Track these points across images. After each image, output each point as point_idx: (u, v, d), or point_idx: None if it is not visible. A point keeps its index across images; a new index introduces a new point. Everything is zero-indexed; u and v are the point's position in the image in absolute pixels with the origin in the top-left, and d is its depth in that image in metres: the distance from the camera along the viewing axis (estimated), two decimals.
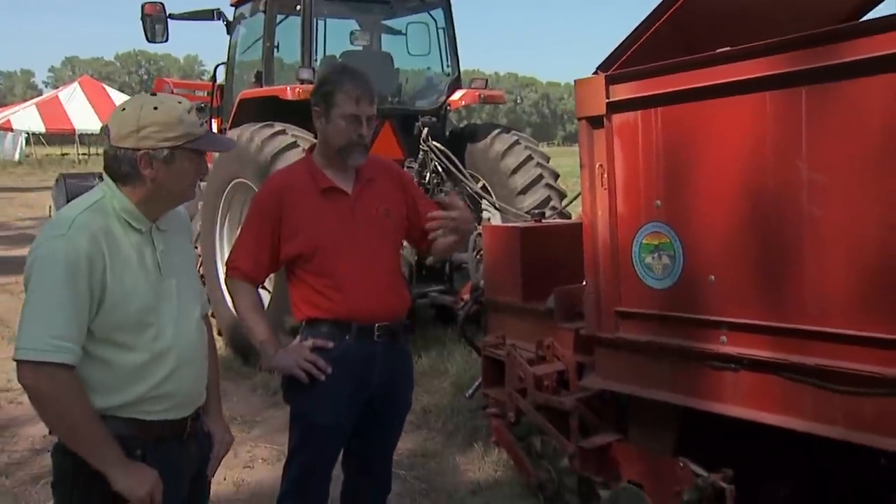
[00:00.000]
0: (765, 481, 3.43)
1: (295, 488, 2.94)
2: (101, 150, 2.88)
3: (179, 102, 2.19)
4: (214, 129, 8.29)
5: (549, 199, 7.06)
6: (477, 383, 4.99)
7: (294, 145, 6.05)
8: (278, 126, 6.25)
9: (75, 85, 37.40)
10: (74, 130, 35.34)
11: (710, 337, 3.11)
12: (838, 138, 2.65)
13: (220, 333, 7.35)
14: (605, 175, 3.42)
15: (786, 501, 3.47)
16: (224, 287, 7.02)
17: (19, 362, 2.01)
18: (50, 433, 2.15)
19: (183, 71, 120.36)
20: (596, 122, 3.43)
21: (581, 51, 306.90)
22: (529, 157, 7.19)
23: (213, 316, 7.41)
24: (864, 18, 3.84)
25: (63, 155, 42.37)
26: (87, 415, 2.03)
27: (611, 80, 3.35)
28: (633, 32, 3.42)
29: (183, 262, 2.29)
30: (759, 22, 3.44)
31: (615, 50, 3.46)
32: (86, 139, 39.95)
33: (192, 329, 2.25)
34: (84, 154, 40.25)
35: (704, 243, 3.10)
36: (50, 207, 10.67)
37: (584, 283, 3.73)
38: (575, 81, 3.52)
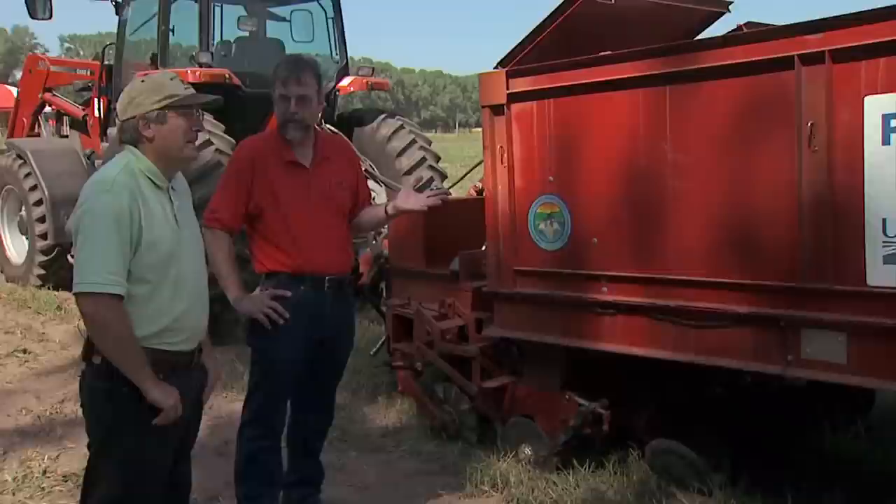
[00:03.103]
0: (631, 407, 4.18)
1: (256, 417, 3.40)
2: None
3: (163, 74, 2.63)
4: (100, 109, 8.33)
5: (431, 179, 7.65)
6: (380, 343, 5.55)
7: None
8: None
9: None
10: None
11: (593, 288, 3.81)
12: (694, 127, 3.39)
13: None
14: (505, 155, 4.05)
15: (646, 422, 4.22)
16: None
17: (81, 294, 2.39)
18: (85, 358, 2.54)
19: (11, 43, 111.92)
20: (497, 109, 4.05)
21: (436, 40, 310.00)
22: (413, 141, 7.76)
23: None
24: (702, 34, 4.65)
25: None
26: (132, 338, 2.43)
27: (511, 75, 3.98)
28: (528, 35, 4.06)
29: (190, 218, 2.69)
30: (630, 30, 4.17)
31: (513, 49, 4.09)
32: None
33: (200, 272, 2.67)
34: None
35: (589, 211, 3.79)
36: None
37: (485, 247, 4.37)
38: (480, 75, 4.13)
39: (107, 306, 2.40)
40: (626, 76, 3.55)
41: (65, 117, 9.67)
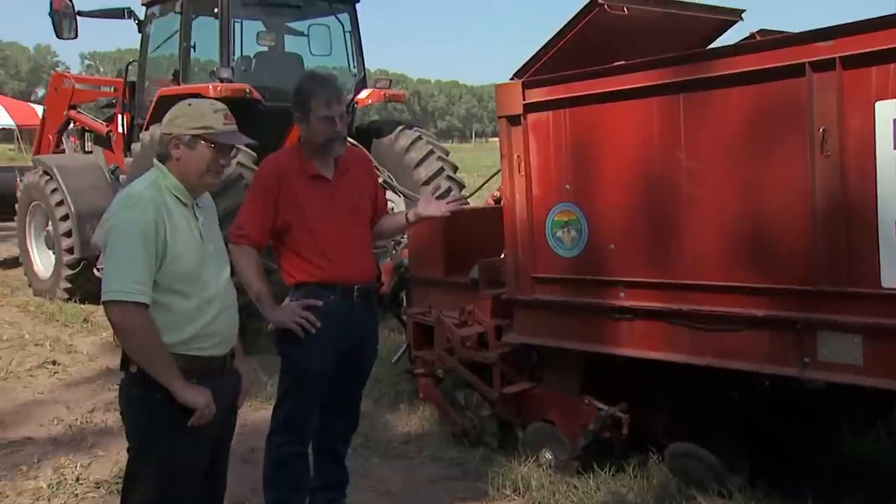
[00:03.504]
0: (649, 411, 4.23)
1: (286, 424, 3.49)
2: None
3: (211, 104, 2.72)
4: (124, 125, 8.50)
5: (449, 189, 7.75)
6: (401, 351, 5.63)
7: None
8: None
9: None
10: None
11: (611, 294, 3.87)
12: (708, 134, 3.46)
13: None
14: (522, 164, 4.13)
15: (665, 426, 4.26)
16: None
17: (108, 303, 2.50)
18: (122, 368, 2.65)
19: (34, 62, 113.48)
20: (514, 120, 4.13)
21: (451, 50, 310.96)
22: (431, 152, 7.86)
23: None
24: (715, 42, 4.73)
25: None
26: (159, 344, 2.53)
27: (527, 86, 4.06)
28: (543, 47, 4.14)
29: (215, 234, 2.80)
30: (643, 40, 4.24)
31: (528, 61, 4.18)
32: None
33: (226, 284, 2.76)
34: None
35: (606, 218, 3.86)
36: None
37: (503, 255, 4.44)
38: (496, 86, 4.22)
39: (133, 314, 2.50)
40: (640, 85, 3.62)
41: (88, 133, 9.87)
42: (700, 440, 4.04)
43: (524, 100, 4.07)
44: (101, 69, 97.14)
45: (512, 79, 4.19)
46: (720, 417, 4.18)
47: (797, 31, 3.79)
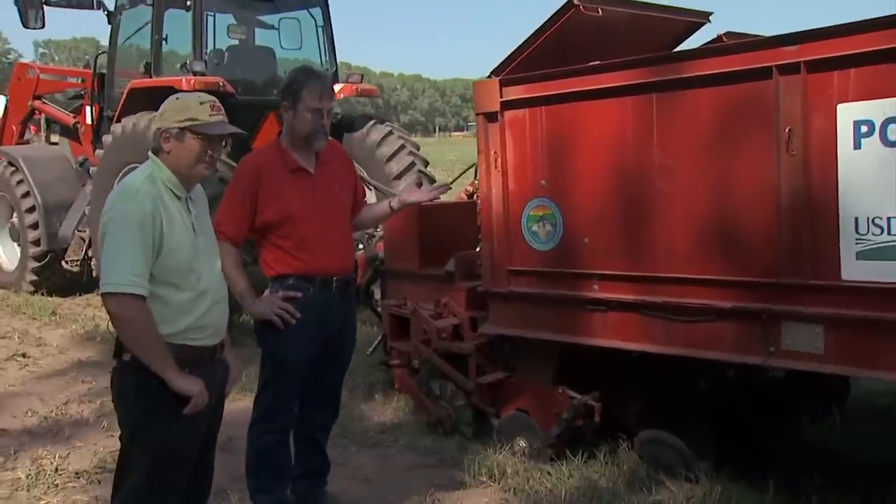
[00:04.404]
0: (622, 400, 4.37)
1: (267, 413, 3.55)
2: None
3: (198, 97, 2.78)
4: (93, 116, 8.44)
5: (420, 184, 7.80)
6: (376, 342, 5.72)
7: None
8: None
9: None
10: None
11: (585, 286, 4.00)
12: (679, 133, 3.60)
13: None
14: (499, 160, 4.24)
15: (636, 415, 4.41)
16: None
17: (107, 294, 2.55)
18: (115, 356, 2.70)
19: None
20: (491, 116, 4.24)
21: (414, 44, 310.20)
22: (402, 146, 7.94)
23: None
24: (684, 43, 4.88)
25: None
26: (156, 334, 2.59)
27: (504, 84, 4.17)
28: (519, 46, 4.25)
29: (207, 227, 2.87)
30: (615, 41, 4.37)
31: (505, 59, 4.28)
32: None
33: (218, 276, 2.83)
34: None
35: (580, 213, 3.98)
36: None
37: (479, 248, 4.55)
38: (473, 83, 4.32)
39: (130, 305, 2.56)
40: (615, 85, 3.75)
41: (53, 125, 9.77)
42: (669, 428, 4.19)
43: (501, 97, 4.17)
44: (56, 58, 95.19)
45: (489, 76, 4.29)
46: (688, 407, 4.34)
47: (763, 33, 3.97)
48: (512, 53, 4.25)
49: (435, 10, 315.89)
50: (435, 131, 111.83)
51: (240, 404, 4.71)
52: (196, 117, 2.71)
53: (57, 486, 4.14)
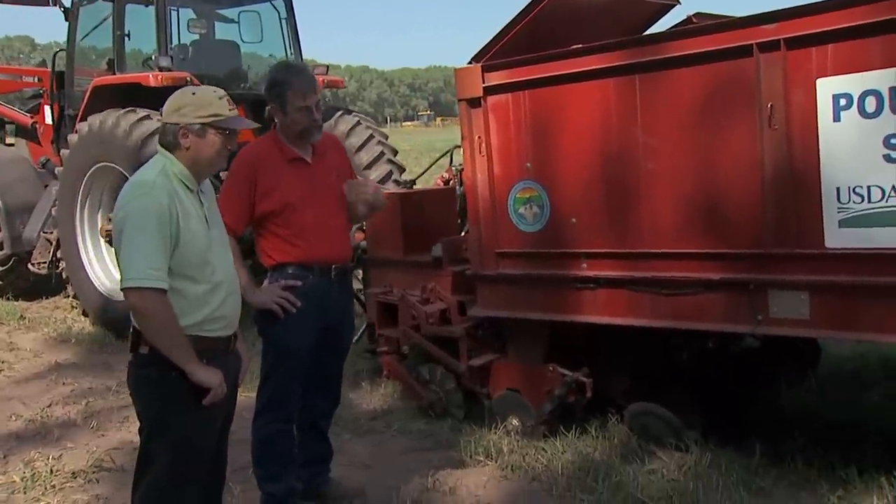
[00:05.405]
0: (611, 375, 4.49)
1: (270, 402, 3.58)
2: None
3: (214, 91, 2.79)
4: (52, 116, 8.29)
5: (390, 173, 7.87)
6: (360, 331, 5.75)
7: None
8: (141, 112, 6.56)
9: None
10: None
11: (573, 265, 4.10)
12: (663, 112, 3.70)
13: (85, 314, 7.52)
14: (483, 144, 4.30)
15: (625, 389, 4.54)
16: (87, 268, 7.22)
17: (128, 289, 2.56)
18: (132, 350, 2.71)
19: None
20: (474, 102, 4.30)
21: (360, 35, 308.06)
22: (371, 136, 7.95)
23: (76, 297, 7.56)
24: (651, 28, 4.99)
25: None
26: (177, 327, 2.61)
27: (486, 69, 4.24)
28: (499, 32, 4.31)
29: (218, 219, 2.88)
30: (590, 25, 4.46)
31: (485, 46, 4.34)
32: None
33: (231, 268, 2.85)
34: None
35: (567, 194, 4.07)
36: None
37: (464, 232, 4.62)
38: (455, 70, 4.37)
39: (152, 299, 2.58)
40: (598, 67, 3.84)
41: (7, 125, 9.55)
42: (657, 400, 4.32)
43: (484, 83, 4.24)
44: None
45: (470, 63, 4.35)
46: (674, 379, 4.48)
47: (732, 13, 4.10)
48: (492, 40, 4.31)
49: (379, 1, 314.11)
50: (386, 122, 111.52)
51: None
52: (219, 113, 2.73)
53: (54, 486, 4.11)
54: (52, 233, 7.71)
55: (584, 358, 4.40)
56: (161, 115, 2.82)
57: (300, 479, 3.77)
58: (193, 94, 2.75)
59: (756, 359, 4.87)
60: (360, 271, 5.65)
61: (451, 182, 6.04)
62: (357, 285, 5.81)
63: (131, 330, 2.71)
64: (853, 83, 3.21)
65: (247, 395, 3.81)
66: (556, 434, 4.39)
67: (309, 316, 3.52)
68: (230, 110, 2.75)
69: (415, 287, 4.95)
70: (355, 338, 5.82)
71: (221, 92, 2.80)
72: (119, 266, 2.61)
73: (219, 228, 2.86)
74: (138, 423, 2.79)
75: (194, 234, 2.67)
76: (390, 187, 7.44)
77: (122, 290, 2.60)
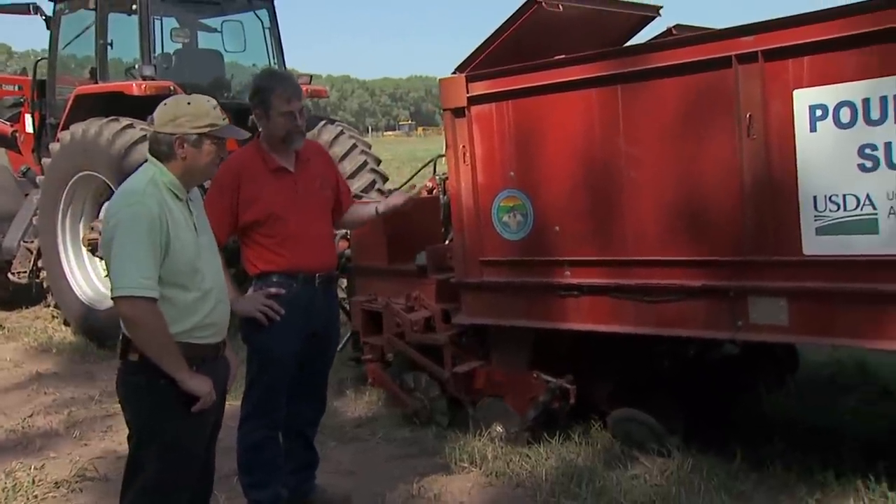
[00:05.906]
0: (595, 382, 4.54)
1: (256, 410, 3.60)
2: None
3: (208, 101, 2.81)
4: (33, 125, 8.26)
5: (374, 182, 7.91)
6: (345, 339, 5.76)
7: (144, 139, 6.40)
8: (125, 121, 6.55)
9: None
10: None
11: (557, 273, 4.15)
12: (645, 122, 3.77)
13: (66, 323, 7.47)
14: (467, 154, 4.35)
15: (608, 395, 4.59)
16: (69, 277, 7.19)
17: (118, 298, 2.57)
18: (122, 357, 2.72)
19: None
20: (458, 112, 4.35)
21: (341, 45, 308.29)
22: (354, 146, 7.98)
23: (57, 307, 7.51)
24: (632, 40, 5.07)
25: None
26: (168, 335, 2.62)
27: (470, 79, 4.29)
28: (483, 42, 4.37)
29: (206, 227, 2.90)
30: (572, 36, 4.53)
31: (469, 56, 4.40)
32: None
33: (221, 275, 2.87)
34: None
35: (550, 202, 4.13)
36: None
37: (448, 241, 4.66)
38: (440, 80, 4.42)
39: (143, 308, 2.59)
40: (580, 77, 3.90)
41: None
42: (639, 406, 4.37)
43: (468, 92, 4.29)
44: None
45: (454, 73, 4.40)
46: (656, 385, 4.53)
47: (711, 25, 4.18)
48: (476, 50, 4.37)
49: (360, 10, 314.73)
50: (367, 132, 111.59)
51: None
52: (214, 123, 2.75)
53: (37, 497, 4.09)
54: (32, 242, 7.67)
55: (568, 365, 4.44)
56: (147, 123, 2.84)
57: (286, 487, 3.78)
58: (189, 103, 2.76)
59: (736, 365, 4.94)
60: (345, 280, 5.67)
61: (434, 191, 6.08)
62: (341, 294, 5.85)
63: (120, 337, 2.72)
64: (829, 94, 3.30)
65: (230, 404, 3.82)
66: (539, 440, 4.43)
67: (293, 324, 3.54)
68: (223, 120, 2.78)
69: (399, 295, 4.98)
70: (340, 346, 5.85)
71: (213, 101, 2.83)
72: (109, 275, 2.62)
73: (207, 235, 2.88)
74: (122, 432, 2.81)
75: (184, 243, 2.69)
76: (374, 196, 7.49)
77: (112, 298, 2.61)
